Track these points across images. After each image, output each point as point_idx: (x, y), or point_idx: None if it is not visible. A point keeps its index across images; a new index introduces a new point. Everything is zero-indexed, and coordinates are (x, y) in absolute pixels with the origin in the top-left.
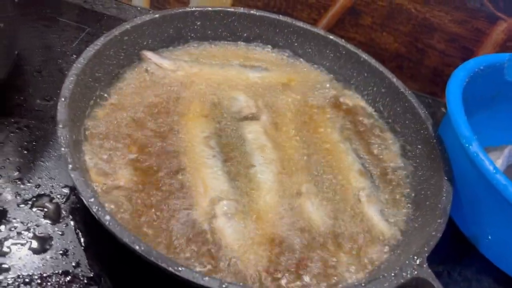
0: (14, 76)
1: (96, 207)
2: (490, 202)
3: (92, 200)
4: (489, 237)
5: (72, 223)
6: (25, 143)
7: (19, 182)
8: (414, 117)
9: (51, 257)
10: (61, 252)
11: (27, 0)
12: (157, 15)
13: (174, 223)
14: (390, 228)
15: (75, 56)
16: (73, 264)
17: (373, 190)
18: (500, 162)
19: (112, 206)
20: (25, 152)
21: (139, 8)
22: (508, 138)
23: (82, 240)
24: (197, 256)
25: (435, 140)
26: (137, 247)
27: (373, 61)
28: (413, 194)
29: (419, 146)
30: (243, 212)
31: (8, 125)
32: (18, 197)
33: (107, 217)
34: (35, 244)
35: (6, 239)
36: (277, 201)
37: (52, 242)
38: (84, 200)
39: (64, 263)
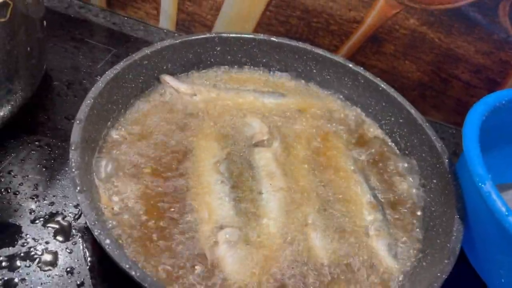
0: (40, 95)
1: (98, 231)
2: (502, 243)
3: (94, 223)
4: (503, 280)
5: (80, 241)
6: (44, 161)
7: (35, 199)
8: (430, 150)
9: (57, 275)
10: (67, 270)
11: (58, 21)
12: (177, 41)
13: (176, 247)
14: (397, 264)
15: (99, 77)
16: (78, 282)
17: (383, 224)
18: None
19: (118, 228)
20: (44, 169)
21: (165, 31)
22: None
23: (88, 259)
24: (195, 284)
25: (450, 176)
26: (133, 273)
27: (391, 91)
28: (424, 230)
29: (434, 181)
30: (246, 241)
31: (30, 142)
32: (32, 214)
33: (107, 241)
34: (43, 260)
35: (17, 254)
36: (282, 231)
37: (60, 260)
38: (87, 223)
39: (69, 281)
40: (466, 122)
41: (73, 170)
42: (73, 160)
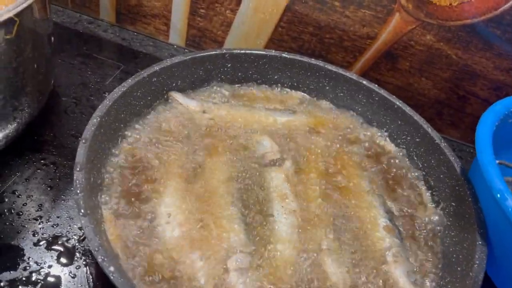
0: (47, 112)
1: (102, 257)
2: None
3: (97, 249)
4: None
5: (84, 265)
6: (50, 180)
7: (38, 221)
8: (449, 171)
9: None
10: None
11: (67, 37)
12: (187, 57)
13: (184, 273)
14: None
15: (107, 93)
16: None
17: (400, 250)
18: None
19: (123, 253)
20: (49, 189)
21: (175, 46)
22: None
23: (92, 285)
24: None
25: (470, 199)
26: None
27: (408, 109)
28: (443, 257)
29: (453, 204)
30: (257, 267)
31: (36, 161)
32: (35, 236)
33: (111, 268)
34: (46, 285)
35: (19, 279)
36: (294, 257)
37: (63, 285)
38: (91, 248)
39: None
40: (478, 133)
41: (78, 192)
42: (77, 181)
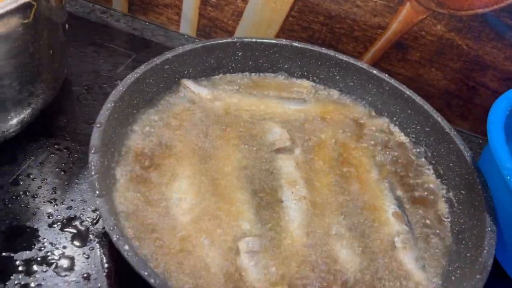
0: (60, 99)
1: (116, 236)
2: None
3: (112, 228)
4: None
5: (98, 247)
6: (63, 164)
7: (53, 203)
8: (458, 160)
9: (73, 280)
10: (84, 276)
11: (79, 26)
12: (198, 45)
13: (196, 255)
14: (426, 278)
15: (119, 81)
16: None
17: (409, 236)
18: None
19: (135, 235)
20: (62, 173)
21: (186, 36)
22: None
23: (105, 265)
24: None
25: (480, 187)
26: (152, 281)
27: (418, 98)
28: (453, 243)
29: (463, 192)
30: (267, 250)
31: (49, 146)
32: (50, 218)
33: (126, 247)
34: (60, 266)
35: (34, 258)
36: (304, 241)
37: (77, 265)
38: (106, 228)
39: (86, 287)
40: (490, 117)
41: (93, 173)
42: (92, 163)
